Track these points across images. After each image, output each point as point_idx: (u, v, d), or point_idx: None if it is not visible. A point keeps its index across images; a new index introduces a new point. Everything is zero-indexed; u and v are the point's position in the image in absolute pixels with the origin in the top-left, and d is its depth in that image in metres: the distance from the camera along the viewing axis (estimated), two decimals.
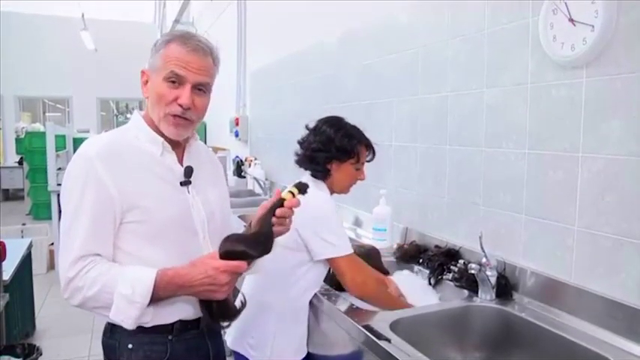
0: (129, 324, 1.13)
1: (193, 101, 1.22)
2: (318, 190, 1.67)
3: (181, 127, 1.24)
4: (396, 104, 2.30)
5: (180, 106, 1.21)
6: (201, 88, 1.24)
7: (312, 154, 1.70)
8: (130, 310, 1.12)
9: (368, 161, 1.77)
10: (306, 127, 1.77)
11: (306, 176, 1.72)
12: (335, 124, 1.72)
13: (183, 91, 1.20)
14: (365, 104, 2.57)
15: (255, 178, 4.07)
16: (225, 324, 1.30)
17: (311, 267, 1.64)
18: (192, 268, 1.16)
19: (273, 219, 1.21)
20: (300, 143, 1.75)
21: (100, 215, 1.17)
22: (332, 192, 1.73)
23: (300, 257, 1.61)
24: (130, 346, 1.24)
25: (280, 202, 1.22)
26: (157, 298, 1.14)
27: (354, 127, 1.74)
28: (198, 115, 1.27)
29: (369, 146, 1.75)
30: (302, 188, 1.26)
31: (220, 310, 1.23)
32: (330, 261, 1.61)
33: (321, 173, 1.70)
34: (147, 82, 1.26)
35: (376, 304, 1.62)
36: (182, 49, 1.20)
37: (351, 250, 1.62)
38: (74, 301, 1.16)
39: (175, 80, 1.20)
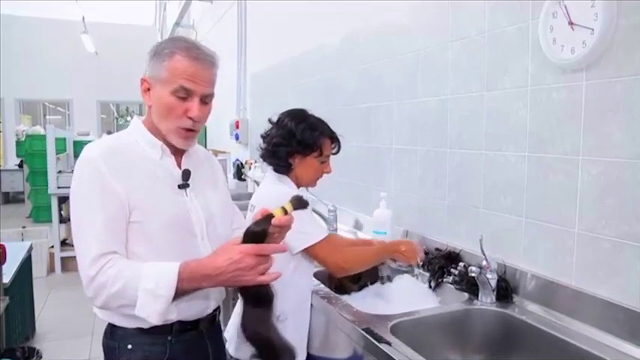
0: (155, 319, 1.13)
1: (201, 112, 1.25)
2: (282, 185, 1.66)
3: (191, 138, 1.29)
4: (396, 107, 2.30)
5: (191, 118, 1.24)
6: (206, 100, 1.27)
7: (273, 148, 1.67)
8: (155, 305, 1.11)
9: (333, 154, 1.74)
10: (269, 120, 1.74)
11: (269, 172, 1.72)
12: (297, 116, 1.68)
13: (192, 104, 1.23)
14: (365, 107, 2.57)
15: (255, 181, 4.07)
16: None
17: (297, 264, 1.62)
18: (214, 256, 1.15)
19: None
20: (263, 137, 1.72)
21: (111, 211, 1.18)
22: (299, 186, 1.71)
23: (283, 258, 1.59)
24: (129, 346, 1.25)
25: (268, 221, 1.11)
26: (181, 291, 1.13)
27: (318, 120, 1.70)
28: (203, 124, 1.30)
29: (333, 138, 1.72)
30: (298, 203, 1.14)
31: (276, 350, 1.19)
32: (307, 251, 1.58)
33: (283, 168, 1.68)
34: (148, 89, 1.28)
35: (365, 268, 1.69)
36: (189, 62, 1.22)
37: (325, 234, 1.60)
38: (99, 300, 1.15)
39: (184, 95, 1.23)
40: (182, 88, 1.22)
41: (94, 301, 1.17)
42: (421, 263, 1.82)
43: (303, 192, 1.70)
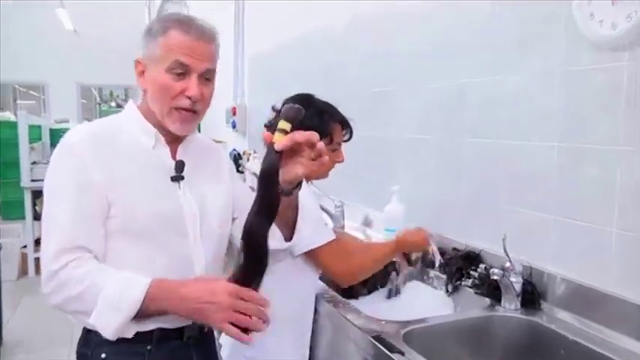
0: (108, 333, 1.12)
1: (201, 92, 1.24)
2: None
3: (188, 121, 1.28)
4: (407, 92, 2.29)
5: (189, 98, 1.23)
6: (208, 77, 1.27)
7: None
8: (112, 317, 1.11)
9: (345, 141, 1.74)
10: (273, 108, 1.74)
11: None
12: (303, 101, 1.62)
13: (190, 82, 1.23)
14: (374, 92, 2.56)
15: (254, 174, 4.05)
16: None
17: (301, 268, 1.62)
18: (194, 280, 1.17)
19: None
20: (267, 127, 1.71)
21: (86, 202, 1.17)
22: (308, 179, 1.70)
23: (287, 263, 1.58)
24: (103, 355, 1.25)
25: (278, 157, 1.04)
26: (145, 310, 1.12)
27: (327, 104, 1.70)
28: (205, 106, 1.30)
29: (344, 124, 1.71)
30: (291, 116, 1.05)
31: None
32: (309, 254, 1.57)
33: None
34: (143, 72, 1.28)
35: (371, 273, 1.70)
36: (185, 36, 1.22)
37: (332, 237, 1.59)
38: (55, 298, 1.14)
39: (181, 71, 1.22)
40: (178, 63, 1.21)
41: (49, 299, 1.15)
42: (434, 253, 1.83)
43: (308, 186, 1.69)
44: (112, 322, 1.11)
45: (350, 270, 1.62)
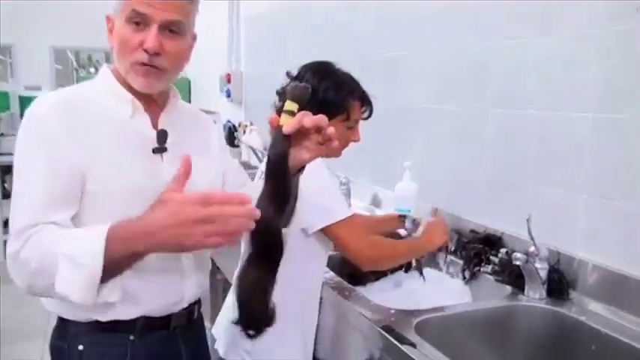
0: (78, 296, 1.00)
1: (163, 45, 1.19)
2: None
3: (152, 76, 1.22)
4: (423, 56, 2.27)
5: (146, 51, 1.18)
6: (174, 29, 1.21)
7: None
8: (76, 275, 0.99)
9: (364, 118, 1.72)
10: (287, 74, 1.70)
11: None
12: (320, 71, 1.64)
13: (148, 33, 1.18)
14: (386, 57, 2.54)
15: (250, 148, 4.04)
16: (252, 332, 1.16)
17: (312, 250, 1.61)
18: (151, 208, 1.01)
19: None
20: (279, 94, 1.69)
21: (58, 178, 1.13)
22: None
23: (297, 241, 1.56)
24: (80, 347, 1.23)
25: (286, 143, 1.04)
26: (113, 258, 0.99)
27: (347, 76, 1.67)
28: (171, 63, 1.24)
29: (364, 100, 1.68)
30: (297, 96, 1.05)
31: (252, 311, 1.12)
32: (327, 231, 1.56)
33: None
34: (112, 29, 1.25)
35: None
36: None
37: (350, 212, 1.58)
38: (22, 281, 1.07)
39: (140, 21, 1.18)
40: (135, 12, 1.16)
41: (18, 283, 1.09)
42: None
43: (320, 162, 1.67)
44: (79, 281, 0.99)
45: (372, 249, 1.61)
